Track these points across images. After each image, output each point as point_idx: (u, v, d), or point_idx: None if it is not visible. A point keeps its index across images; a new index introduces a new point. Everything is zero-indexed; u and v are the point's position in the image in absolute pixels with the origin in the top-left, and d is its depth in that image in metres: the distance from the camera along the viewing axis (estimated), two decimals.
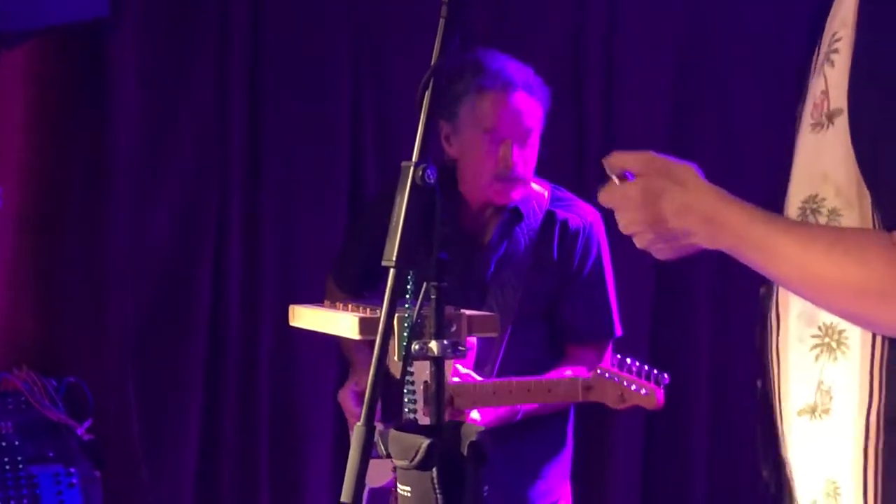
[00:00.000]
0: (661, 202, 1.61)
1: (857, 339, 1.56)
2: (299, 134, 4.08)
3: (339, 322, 1.94)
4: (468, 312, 1.74)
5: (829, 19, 1.65)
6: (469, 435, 1.52)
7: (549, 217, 3.05)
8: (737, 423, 4.27)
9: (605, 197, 1.68)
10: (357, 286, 3.10)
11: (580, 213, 3.08)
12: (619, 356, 2.72)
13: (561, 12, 4.28)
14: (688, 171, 1.64)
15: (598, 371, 2.73)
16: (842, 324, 1.57)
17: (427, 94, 1.69)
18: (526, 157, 2.98)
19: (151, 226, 3.94)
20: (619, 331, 3.11)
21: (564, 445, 3.11)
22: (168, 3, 3.98)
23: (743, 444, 4.26)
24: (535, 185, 3.07)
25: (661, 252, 1.67)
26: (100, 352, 3.83)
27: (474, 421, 2.85)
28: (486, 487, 1.53)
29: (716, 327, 4.33)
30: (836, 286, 1.52)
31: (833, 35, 1.60)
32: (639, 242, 1.67)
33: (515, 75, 2.97)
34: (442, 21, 1.70)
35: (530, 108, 2.97)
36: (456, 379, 2.79)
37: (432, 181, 1.64)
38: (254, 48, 4.02)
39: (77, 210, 3.88)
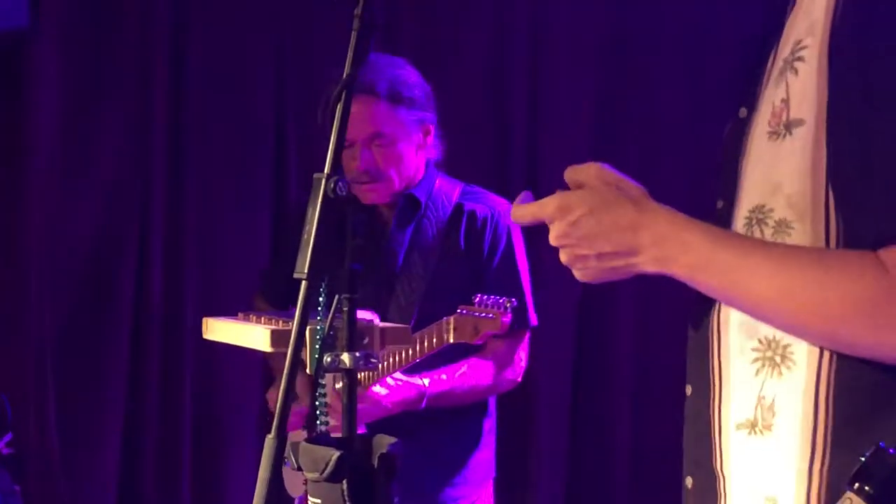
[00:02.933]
0: (608, 214, 1.51)
1: (802, 355, 1.49)
2: (222, 138, 4.07)
3: (251, 334, 1.93)
4: (381, 325, 1.74)
5: (787, 25, 1.58)
6: (380, 447, 1.52)
7: (458, 208, 3.06)
8: (659, 422, 4.30)
9: (541, 207, 1.57)
10: (287, 301, 3.07)
11: (489, 204, 3.08)
12: (477, 297, 2.73)
13: (485, 19, 4.30)
14: (640, 190, 1.56)
15: (458, 311, 2.73)
16: (786, 338, 1.50)
17: (339, 106, 1.68)
18: (385, 156, 2.97)
19: (71, 234, 3.90)
20: (533, 320, 3.09)
21: (482, 446, 3.10)
22: (89, 11, 3.95)
23: (667, 443, 4.30)
24: (445, 181, 3.09)
25: (587, 272, 1.57)
26: (18, 363, 3.79)
27: (377, 395, 2.85)
28: (397, 500, 1.53)
29: (640, 325, 4.35)
30: (818, 308, 1.42)
31: (797, 42, 1.53)
32: (566, 256, 1.57)
33: (361, 78, 2.96)
34: (354, 33, 1.69)
35: (375, 110, 2.94)
36: None
37: (344, 193, 1.64)
38: (176, 53, 4.00)
39: None
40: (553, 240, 1.58)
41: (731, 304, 1.53)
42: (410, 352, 2.77)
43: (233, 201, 4.08)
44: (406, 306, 2.99)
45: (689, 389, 1.67)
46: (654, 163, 4.26)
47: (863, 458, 1.18)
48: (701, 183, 4.34)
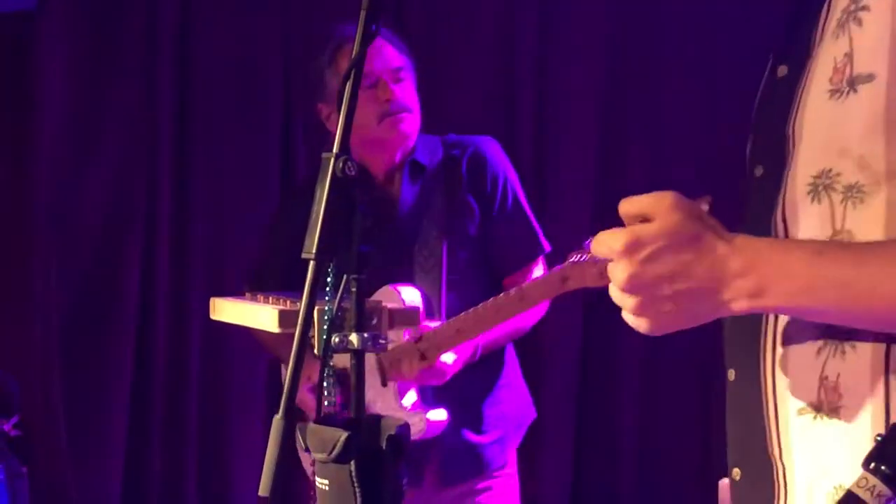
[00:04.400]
0: (689, 246, 1.30)
1: (868, 333, 1.34)
2: (229, 123, 4.06)
3: (259, 314, 1.92)
4: (390, 306, 1.73)
5: None
6: (388, 428, 1.50)
7: (450, 160, 3.06)
8: (666, 417, 4.30)
9: (603, 242, 1.34)
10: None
11: (476, 142, 3.08)
12: (588, 241, 2.67)
13: (495, 17, 4.27)
14: (714, 219, 1.33)
15: (570, 259, 2.71)
16: None
17: (349, 86, 1.67)
18: (404, 90, 2.99)
19: (78, 217, 3.90)
20: (547, 246, 3.10)
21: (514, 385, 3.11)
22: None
23: (674, 422, 4.30)
24: (427, 139, 3.08)
25: (661, 319, 1.34)
26: (26, 346, 3.79)
27: (445, 364, 2.85)
28: (406, 480, 1.52)
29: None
30: None
31: None
32: (635, 303, 1.34)
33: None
34: (362, 13, 1.67)
35: (391, 50, 3.00)
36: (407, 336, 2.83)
37: (353, 173, 1.63)
38: (183, 37, 3.99)
39: (1, 203, 3.83)
40: (621, 283, 1.34)
41: (845, 321, 1.34)
42: (513, 308, 2.76)
43: (240, 186, 4.07)
44: (431, 275, 2.98)
45: (731, 374, 1.52)
46: (661, 158, 4.24)
47: (879, 437, 1.15)
48: (710, 179, 4.37)
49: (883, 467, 1.13)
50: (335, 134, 3.19)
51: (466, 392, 2.99)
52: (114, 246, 3.93)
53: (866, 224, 1.37)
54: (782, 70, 1.51)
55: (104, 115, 3.94)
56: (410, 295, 2.91)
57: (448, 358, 2.88)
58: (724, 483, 3.33)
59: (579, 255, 2.72)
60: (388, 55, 2.99)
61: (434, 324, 2.88)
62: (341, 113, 1.66)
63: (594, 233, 1.40)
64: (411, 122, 3.00)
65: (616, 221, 1.37)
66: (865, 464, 1.15)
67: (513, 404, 3.12)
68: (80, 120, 3.91)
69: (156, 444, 3.94)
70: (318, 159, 1.65)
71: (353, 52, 1.68)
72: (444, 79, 4.11)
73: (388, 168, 3.05)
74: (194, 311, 3.94)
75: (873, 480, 1.13)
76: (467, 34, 4.23)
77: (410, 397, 2.91)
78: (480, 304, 2.81)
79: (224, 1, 4.04)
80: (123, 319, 3.91)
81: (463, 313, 2.83)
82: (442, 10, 4.22)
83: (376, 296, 2.87)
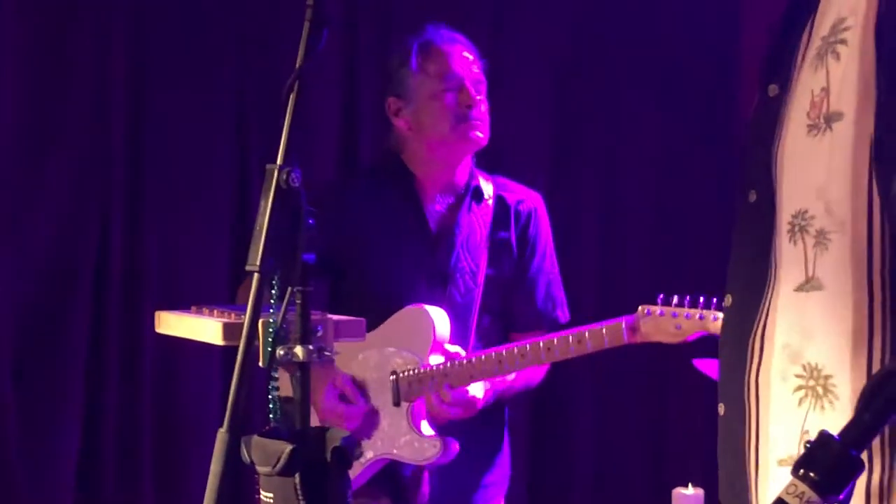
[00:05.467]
0: None
1: (846, 389, 1.36)
2: (184, 133, 4.03)
3: (203, 328, 1.92)
4: (335, 317, 1.73)
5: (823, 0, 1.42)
6: (333, 440, 1.50)
7: (501, 201, 3.03)
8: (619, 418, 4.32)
9: None
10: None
11: (529, 196, 3.07)
12: (661, 295, 2.64)
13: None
14: None
15: (642, 310, 2.67)
16: (829, 367, 1.37)
17: (292, 97, 1.67)
18: (483, 105, 2.96)
19: (31, 228, 3.86)
20: (567, 316, 3.08)
21: (503, 449, 3.08)
22: (46, 15, 3.90)
23: (627, 435, 4.32)
24: (479, 172, 3.04)
25: None
26: None
27: (474, 397, 2.83)
28: (351, 492, 1.52)
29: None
30: None
31: (839, 20, 1.39)
32: None
33: (456, 36, 3.01)
34: (306, 24, 1.68)
35: (477, 63, 2.99)
36: (441, 358, 2.84)
37: (297, 184, 1.63)
38: (135, 44, 3.95)
39: None
40: None
41: None
42: (566, 350, 2.75)
43: (194, 196, 4.04)
44: (463, 305, 2.95)
45: (721, 409, 1.51)
46: (617, 167, 4.26)
47: (807, 444, 1.16)
48: (667, 190, 4.40)
49: (812, 474, 1.14)
50: (398, 128, 3.22)
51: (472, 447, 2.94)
52: (67, 254, 3.88)
53: (832, 273, 1.38)
54: (773, 89, 1.50)
55: (57, 128, 3.90)
56: (440, 317, 2.89)
57: (478, 391, 2.85)
58: (677, 492, 3.35)
59: (653, 308, 2.66)
60: (475, 67, 2.97)
61: (458, 350, 2.85)
62: (285, 124, 1.66)
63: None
64: (484, 136, 2.96)
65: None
66: (794, 470, 1.16)
67: (507, 465, 3.10)
68: (32, 133, 3.87)
69: (109, 450, 3.89)
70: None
71: (297, 63, 1.68)
72: None
73: (445, 184, 3.00)
74: (148, 322, 3.90)
75: (802, 487, 1.14)
76: None
77: (427, 427, 2.89)
78: (528, 341, 2.78)
79: (179, 8, 4.01)
80: (76, 325, 3.86)
81: (506, 346, 2.81)
82: (393, 18, 4.20)
83: (405, 311, 2.87)
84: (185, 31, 4.00)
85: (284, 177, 1.62)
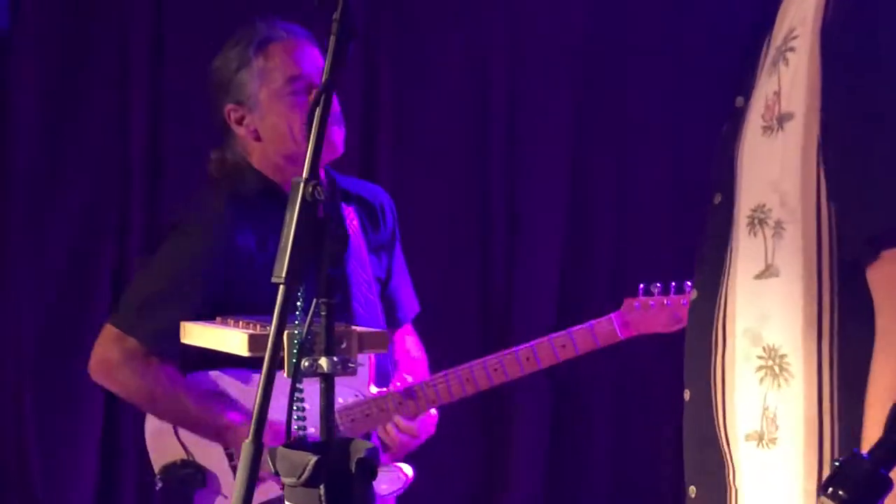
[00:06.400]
0: None
1: (798, 367, 1.46)
2: (203, 133, 4.04)
3: (229, 339, 1.93)
4: (359, 329, 1.74)
5: (781, 11, 1.55)
6: (357, 451, 1.51)
7: (360, 198, 2.81)
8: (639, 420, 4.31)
9: None
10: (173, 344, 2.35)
11: (380, 189, 2.89)
12: (642, 285, 2.56)
13: (466, 33, 4.27)
14: None
15: (629, 303, 2.58)
16: (784, 347, 1.47)
17: (318, 111, 1.68)
18: (336, 100, 2.75)
19: (51, 238, 3.89)
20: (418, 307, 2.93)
21: None
22: (68, 15, 3.92)
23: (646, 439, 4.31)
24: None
25: None
26: None
27: (433, 419, 2.70)
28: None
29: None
30: None
31: (790, 31, 1.50)
32: None
33: (294, 28, 2.72)
34: (332, 38, 1.69)
35: (318, 53, 2.69)
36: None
37: (323, 197, 1.64)
38: (156, 54, 3.98)
39: None
40: None
41: None
42: (550, 356, 2.59)
43: None
44: (368, 317, 2.72)
45: (687, 394, 1.62)
46: (633, 169, 4.24)
47: (837, 463, 1.17)
48: (682, 188, 4.38)
49: (841, 492, 1.15)
50: (242, 137, 2.97)
51: None
52: (86, 263, 3.91)
53: (787, 259, 1.50)
54: (739, 101, 1.61)
55: (77, 132, 3.93)
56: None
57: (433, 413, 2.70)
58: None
59: (642, 300, 2.58)
60: (318, 58, 2.69)
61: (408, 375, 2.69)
62: (311, 138, 1.67)
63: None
64: (343, 136, 2.70)
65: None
66: (823, 489, 1.18)
67: None
68: (53, 137, 3.90)
69: (130, 469, 3.91)
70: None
71: (323, 77, 1.69)
72: (415, 93, 4.09)
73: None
74: None
75: None
76: (439, 47, 4.22)
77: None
78: (510, 350, 2.61)
79: (198, 17, 4.03)
80: (94, 338, 3.88)
81: (478, 360, 2.62)
82: (413, 24, 4.20)
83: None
84: (205, 30, 4.01)
85: (310, 190, 1.63)
